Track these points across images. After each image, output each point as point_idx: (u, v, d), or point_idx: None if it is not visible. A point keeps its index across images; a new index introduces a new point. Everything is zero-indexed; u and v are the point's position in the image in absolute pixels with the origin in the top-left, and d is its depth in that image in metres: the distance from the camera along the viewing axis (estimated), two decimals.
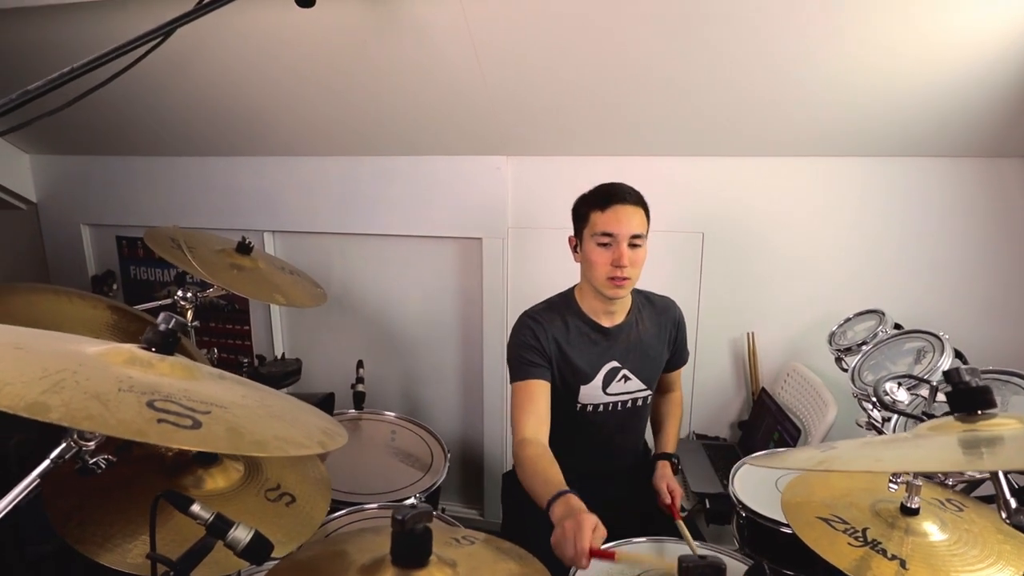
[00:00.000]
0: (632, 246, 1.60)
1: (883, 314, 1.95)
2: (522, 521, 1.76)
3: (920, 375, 1.48)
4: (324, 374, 2.33)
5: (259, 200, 2.54)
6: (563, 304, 1.75)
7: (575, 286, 1.78)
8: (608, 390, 1.75)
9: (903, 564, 1.05)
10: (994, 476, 0.71)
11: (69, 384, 0.69)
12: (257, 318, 2.72)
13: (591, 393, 1.74)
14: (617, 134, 2.22)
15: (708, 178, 2.28)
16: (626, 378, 1.76)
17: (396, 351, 2.64)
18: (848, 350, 1.89)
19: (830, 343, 1.97)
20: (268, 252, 2.55)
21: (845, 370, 1.86)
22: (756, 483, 1.72)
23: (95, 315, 1.64)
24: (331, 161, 2.48)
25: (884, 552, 1.08)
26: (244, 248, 1.84)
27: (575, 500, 1.34)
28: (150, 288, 2.76)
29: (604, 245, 1.61)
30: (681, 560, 0.72)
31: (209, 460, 1.31)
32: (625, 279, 1.61)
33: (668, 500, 1.68)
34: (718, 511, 1.94)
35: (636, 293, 1.81)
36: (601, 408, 1.76)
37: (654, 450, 1.95)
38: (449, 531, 0.86)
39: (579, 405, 1.74)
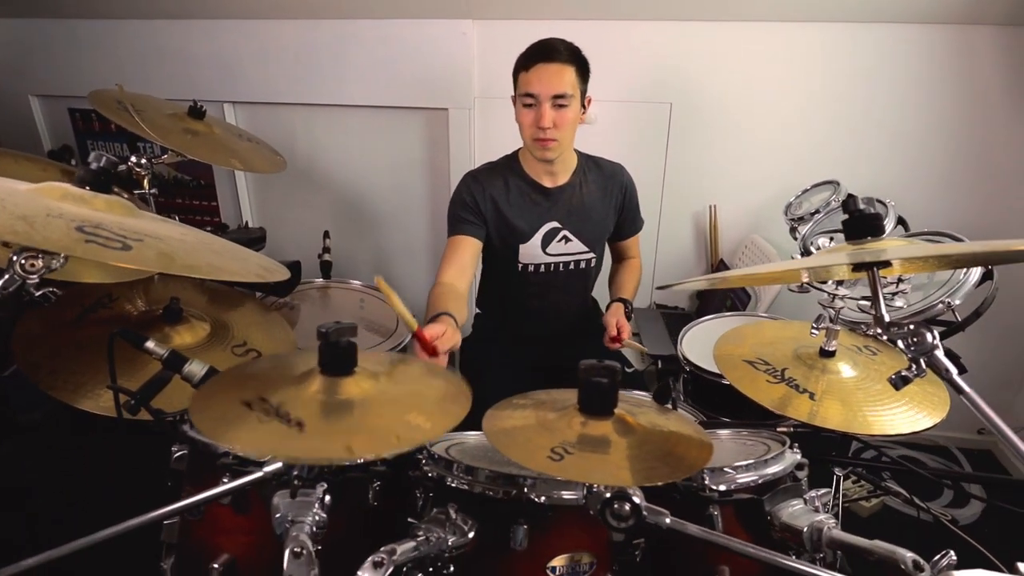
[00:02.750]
0: (558, 107, 1.57)
1: (838, 184, 1.98)
2: (480, 379, 1.86)
3: None
4: (292, 245, 2.35)
5: (215, 68, 2.44)
6: (505, 165, 1.76)
7: (520, 148, 1.77)
8: (548, 250, 1.77)
9: (812, 396, 1.15)
10: (873, 289, 0.77)
11: None
12: (224, 193, 2.70)
13: (530, 252, 1.77)
14: None
15: (678, 45, 2.22)
16: (567, 239, 1.77)
17: (365, 224, 2.66)
18: (801, 219, 1.94)
19: (785, 214, 2.01)
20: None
21: (797, 239, 1.93)
22: (702, 345, 1.84)
23: (44, 177, 1.63)
24: (288, 25, 2.36)
25: (797, 387, 1.18)
26: (196, 112, 1.79)
27: (445, 318, 1.42)
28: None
29: (528, 106, 1.60)
30: (580, 364, 0.79)
31: (174, 318, 1.37)
32: (550, 140, 1.60)
33: (614, 333, 1.69)
34: (668, 370, 2.06)
35: (583, 156, 1.80)
36: (543, 268, 1.79)
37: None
38: (387, 357, 0.93)
39: (520, 265, 1.78)
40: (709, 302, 2.40)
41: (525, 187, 1.74)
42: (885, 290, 1.17)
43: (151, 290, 1.50)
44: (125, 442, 1.07)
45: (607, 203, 1.80)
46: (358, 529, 1.00)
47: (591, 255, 1.82)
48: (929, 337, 0.72)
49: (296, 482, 0.76)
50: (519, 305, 1.87)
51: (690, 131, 2.32)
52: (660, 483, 0.67)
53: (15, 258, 0.84)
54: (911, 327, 0.73)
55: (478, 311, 2.08)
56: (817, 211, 1.91)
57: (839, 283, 1.10)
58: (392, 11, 2.26)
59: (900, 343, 0.74)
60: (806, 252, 1.26)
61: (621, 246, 1.96)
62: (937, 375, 0.73)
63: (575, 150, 1.80)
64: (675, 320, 2.40)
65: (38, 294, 0.90)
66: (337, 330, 0.74)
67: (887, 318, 0.76)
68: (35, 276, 0.87)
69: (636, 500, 0.72)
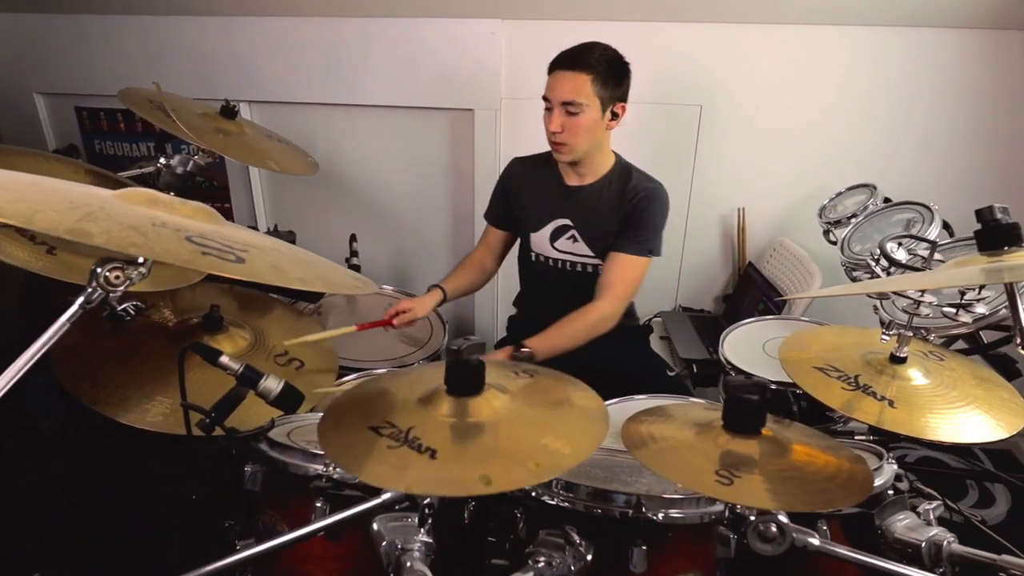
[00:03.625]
0: (569, 113, 1.58)
1: (874, 188, 1.97)
2: None
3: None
4: (313, 249, 2.27)
5: (233, 66, 2.36)
6: (544, 158, 1.79)
7: None
8: (556, 245, 1.80)
9: (891, 403, 1.13)
10: (1012, 302, 0.75)
11: (101, 216, 0.66)
12: (238, 194, 2.63)
13: (540, 243, 1.82)
14: None
15: (709, 47, 2.21)
16: (574, 239, 1.78)
17: (386, 226, 2.60)
18: (837, 223, 1.93)
19: (820, 216, 2.00)
20: None
21: (833, 243, 1.91)
22: (743, 348, 1.81)
23: (73, 178, 1.56)
24: (310, 22, 2.30)
25: (874, 394, 1.15)
26: (228, 112, 1.73)
27: (425, 297, 1.81)
28: (118, 164, 2.61)
29: (547, 110, 1.63)
30: (727, 382, 0.75)
31: (215, 327, 1.31)
32: (560, 144, 1.63)
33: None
34: (705, 374, 2.04)
35: (622, 166, 1.77)
36: (551, 263, 1.83)
37: None
38: (509, 366, 0.89)
39: (533, 254, 1.85)
40: (737, 306, 2.39)
41: (550, 180, 1.78)
42: (965, 298, 1.15)
43: (180, 298, 1.44)
44: (149, 451, 1.02)
45: (617, 211, 1.72)
46: (452, 552, 0.95)
47: (597, 261, 1.79)
48: None
49: (427, 511, 0.71)
50: (540, 302, 1.90)
51: (719, 134, 2.31)
52: (843, 507, 0.64)
53: (99, 270, 0.78)
54: None
55: (512, 313, 2.07)
56: (855, 215, 1.90)
57: (923, 290, 1.08)
58: (419, 10, 2.22)
59: None
60: (885, 258, 1.24)
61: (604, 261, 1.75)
62: None
63: (617, 157, 1.78)
64: (704, 323, 2.38)
65: (120, 308, 0.83)
66: (468, 347, 0.70)
67: None
68: (119, 289, 0.81)
69: (783, 520, 0.69)
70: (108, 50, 2.41)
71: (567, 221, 1.77)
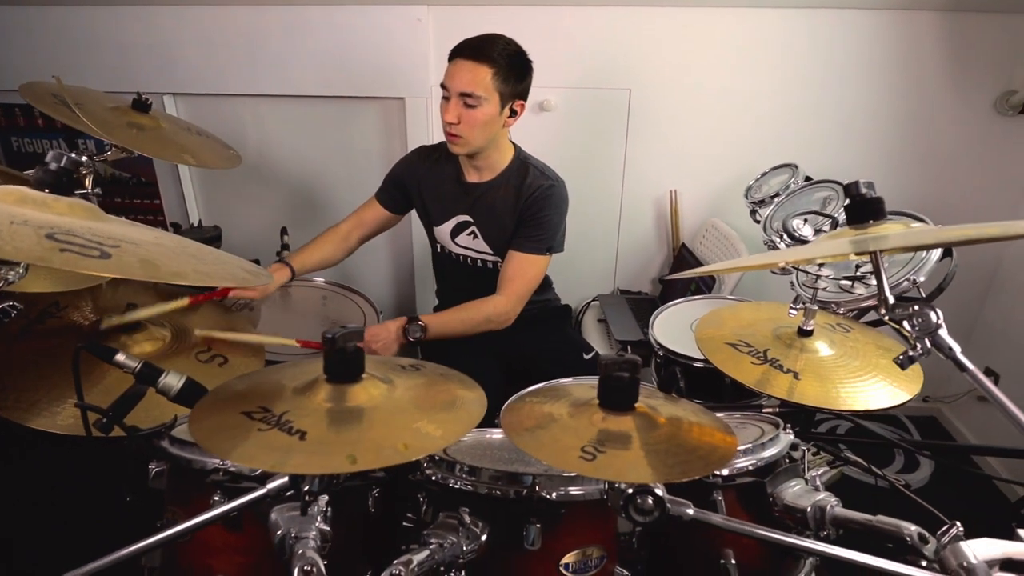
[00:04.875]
0: (467, 105, 1.54)
1: (796, 167, 2.03)
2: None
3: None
4: (246, 243, 2.24)
5: (153, 57, 2.28)
6: (447, 150, 1.71)
7: None
8: (457, 241, 1.82)
9: (796, 375, 1.18)
10: (877, 273, 0.79)
11: None
12: (168, 191, 2.55)
13: (442, 238, 1.85)
14: None
15: (637, 31, 2.22)
16: (475, 235, 1.80)
17: (321, 219, 2.53)
18: (761, 202, 1.98)
19: (746, 196, 2.05)
20: None
21: (758, 222, 1.97)
22: (672, 328, 1.86)
23: None
24: (232, 11, 2.23)
25: (781, 367, 1.20)
26: (141, 105, 1.67)
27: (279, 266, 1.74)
28: (39, 161, 2.51)
29: (445, 98, 1.60)
30: (600, 359, 0.78)
31: (132, 326, 1.28)
32: (454, 136, 1.59)
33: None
34: (638, 355, 2.07)
35: (520, 161, 1.74)
36: (455, 257, 1.85)
37: None
38: (397, 361, 0.89)
39: (438, 246, 1.88)
40: (673, 286, 2.44)
41: (450, 173, 1.78)
42: (860, 271, 1.21)
43: (100, 296, 1.40)
44: (80, 455, 1.00)
45: (514, 208, 1.72)
46: (358, 539, 0.96)
47: (495, 258, 1.80)
48: (933, 317, 0.74)
49: (307, 497, 0.72)
50: (451, 295, 1.92)
51: (650, 117, 2.34)
52: (697, 477, 0.66)
53: None
54: (915, 308, 0.75)
55: (436, 304, 2.10)
56: (777, 194, 1.95)
57: (821, 264, 1.12)
58: None
59: (905, 323, 0.76)
60: (787, 234, 1.28)
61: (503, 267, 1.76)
62: (941, 354, 0.76)
63: (517, 152, 1.77)
64: (640, 305, 2.42)
65: None
66: (344, 335, 0.70)
67: (891, 299, 0.78)
68: None
69: (659, 492, 0.72)
70: (17, 42, 2.30)
71: (468, 218, 1.78)
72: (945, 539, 0.74)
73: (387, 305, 2.67)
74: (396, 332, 1.60)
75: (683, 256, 2.43)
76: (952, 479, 2.32)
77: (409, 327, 1.60)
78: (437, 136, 2.34)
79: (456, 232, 1.80)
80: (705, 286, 2.18)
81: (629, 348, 2.12)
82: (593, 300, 2.48)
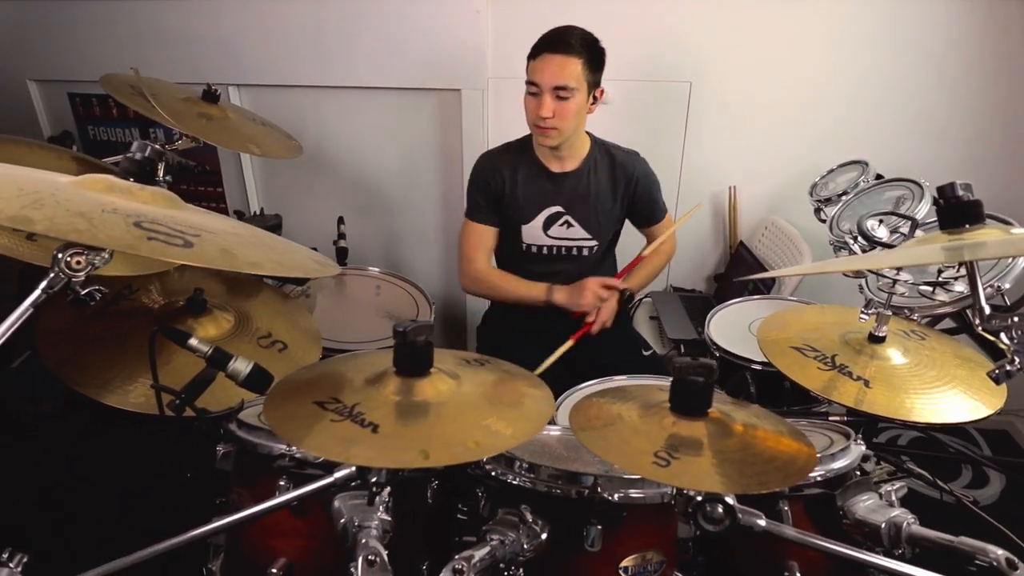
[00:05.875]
0: (559, 98, 1.59)
1: (866, 164, 1.95)
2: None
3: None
4: (303, 232, 2.29)
5: (219, 49, 2.35)
6: (519, 147, 1.81)
7: None
8: (549, 232, 1.82)
9: (867, 383, 1.13)
10: (972, 281, 0.74)
11: (49, 203, 0.67)
12: (230, 179, 2.63)
13: (532, 233, 1.82)
14: None
15: (698, 23, 2.17)
16: (568, 224, 1.81)
17: (375, 209, 2.60)
18: (828, 201, 1.91)
19: (811, 194, 1.98)
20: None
21: (824, 221, 1.89)
22: (729, 328, 1.81)
23: (59, 166, 1.56)
24: (294, 3, 2.27)
25: (850, 374, 1.15)
26: (211, 96, 1.73)
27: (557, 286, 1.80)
28: (112, 150, 2.60)
29: (533, 94, 1.63)
30: (674, 362, 0.76)
31: (199, 310, 1.33)
32: (549, 129, 1.63)
33: (590, 319, 1.78)
34: (692, 354, 2.04)
35: (597, 144, 1.82)
36: (544, 250, 1.85)
37: None
38: (462, 355, 0.89)
39: (524, 245, 1.84)
40: (729, 285, 2.38)
41: (533, 170, 1.79)
42: (942, 276, 1.14)
43: (167, 280, 1.45)
44: (146, 432, 1.03)
45: (614, 193, 1.82)
46: (416, 530, 0.97)
47: (593, 242, 1.85)
48: None
49: (374, 488, 0.72)
50: None
51: (709, 111, 2.28)
52: (777, 489, 0.64)
53: (60, 255, 0.79)
54: (1015, 319, 0.70)
55: (488, 306, 2.10)
56: (845, 192, 1.88)
57: (899, 268, 1.07)
58: None
59: (1003, 336, 0.72)
60: (862, 235, 1.23)
61: (648, 231, 1.97)
62: None
63: (591, 136, 1.81)
64: (694, 303, 2.37)
65: (84, 292, 0.84)
66: (414, 328, 0.70)
67: (987, 309, 0.73)
68: (81, 274, 0.82)
69: (729, 501, 0.70)
70: (96, 35, 2.40)
71: (559, 208, 1.80)
72: None
73: (438, 295, 2.69)
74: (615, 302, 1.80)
75: (740, 254, 2.37)
76: None
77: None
78: (493, 128, 2.37)
79: (548, 224, 1.82)
80: (764, 286, 2.12)
81: (682, 347, 2.08)
82: (646, 297, 2.44)
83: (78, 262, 0.80)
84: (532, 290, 1.80)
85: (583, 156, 1.79)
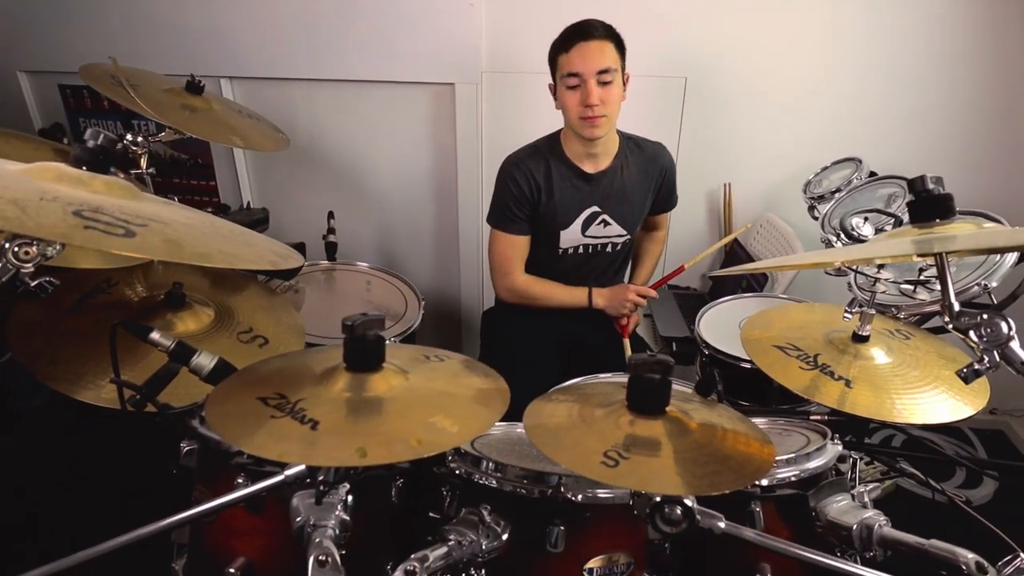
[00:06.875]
0: (602, 83, 1.56)
1: (860, 162, 1.92)
2: (501, 352, 1.87)
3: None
4: (294, 226, 2.28)
5: (211, 41, 2.33)
6: (547, 148, 1.75)
7: (561, 130, 1.76)
8: (587, 233, 1.80)
9: (848, 383, 1.10)
10: (941, 276, 0.72)
11: None
12: (223, 172, 2.61)
13: (571, 237, 1.80)
14: None
15: (693, 18, 2.14)
16: (605, 223, 1.80)
17: (368, 204, 2.58)
18: (821, 198, 1.88)
19: (804, 192, 1.95)
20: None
21: (817, 218, 1.87)
22: (720, 326, 1.79)
23: (36, 157, 1.55)
24: None
25: (832, 374, 1.12)
26: (194, 87, 1.71)
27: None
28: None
29: (573, 87, 1.59)
30: (629, 359, 0.73)
31: (177, 303, 1.31)
32: (599, 117, 1.58)
33: (625, 322, 1.85)
34: (683, 352, 2.01)
35: (625, 138, 1.79)
36: (580, 250, 1.83)
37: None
38: (422, 351, 0.87)
39: (560, 249, 1.82)
40: (723, 283, 2.35)
41: (567, 172, 1.75)
42: (924, 274, 1.11)
43: (152, 274, 1.44)
44: (132, 429, 1.02)
45: (646, 186, 1.82)
46: (380, 530, 0.95)
47: (626, 236, 1.85)
48: (1004, 327, 0.67)
49: (321, 487, 0.70)
50: (578, 282, 1.88)
51: (705, 107, 2.25)
52: (728, 491, 0.62)
53: (7, 246, 0.78)
54: (984, 316, 0.67)
55: (491, 305, 2.07)
56: (838, 189, 1.85)
57: (881, 266, 1.04)
58: None
59: (972, 333, 0.69)
60: (844, 233, 1.20)
61: (651, 220, 1.98)
62: (1012, 368, 0.68)
63: (617, 131, 1.78)
64: (688, 301, 2.34)
65: (34, 284, 0.82)
66: (364, 322, 0.68)
67: (957, 306, 0.71)
68: (30, 265, 0.81)
69: (688, 503, 0.67)
70: (87, 26, 2.38)
71: (596, 208, 1.78)
72: (1008, 570, 0.67)
73: (430, 291, 2.67)
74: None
75: (735, 251, 2.34)
76: (1018, 498, 2.15)
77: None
78: (486, 122, 2.34)
79: (587, 225, 1.80)
80: (757, 284, 2.09)
81: (674, 345, 2.05)
82: None
83: (27, 252, 0.79)
84: (574, 297, 1.82)
85: (614, 153, 1.76)
